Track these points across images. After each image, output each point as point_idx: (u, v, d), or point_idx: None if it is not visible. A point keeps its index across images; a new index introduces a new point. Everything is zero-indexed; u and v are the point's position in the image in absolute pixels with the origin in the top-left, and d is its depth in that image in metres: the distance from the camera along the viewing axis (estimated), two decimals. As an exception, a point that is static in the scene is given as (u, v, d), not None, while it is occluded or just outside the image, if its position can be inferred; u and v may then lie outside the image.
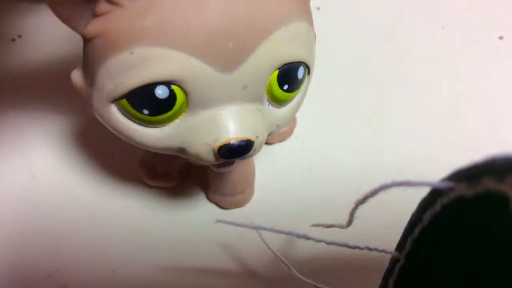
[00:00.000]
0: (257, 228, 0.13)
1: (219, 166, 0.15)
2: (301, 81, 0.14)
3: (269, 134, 0.15)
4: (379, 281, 0.13)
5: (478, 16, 0.27)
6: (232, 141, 0.13)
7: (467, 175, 0.09)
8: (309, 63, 0.14)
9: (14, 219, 0.19)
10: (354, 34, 0.26)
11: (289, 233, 0.13)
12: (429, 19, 0.27)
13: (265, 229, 0.13)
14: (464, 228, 0.10)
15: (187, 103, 0.13)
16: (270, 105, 0.14)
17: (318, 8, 0.26)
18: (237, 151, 0.13)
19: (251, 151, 0.14)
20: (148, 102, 0.13)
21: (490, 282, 0.09)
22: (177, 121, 0.13)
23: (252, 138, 0.13)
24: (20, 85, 0.23)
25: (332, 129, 0.22)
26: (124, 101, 0.13)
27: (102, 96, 0.13)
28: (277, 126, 0.15)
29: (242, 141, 0.13)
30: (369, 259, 0.14)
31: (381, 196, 0.10)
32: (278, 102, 0.14)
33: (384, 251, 0.12)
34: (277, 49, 0.13)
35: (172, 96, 0.12)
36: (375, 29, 0.26)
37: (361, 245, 0.12)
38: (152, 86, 0.12)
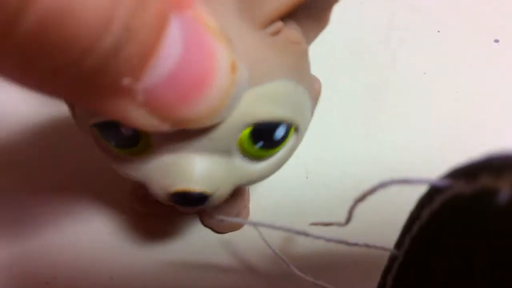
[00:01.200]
0: (256, 224, 0.14)
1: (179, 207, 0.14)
2: (282, 139, 0.13)
3: (242, 185, 0.14)
4: (378, 278, 0.13)
5: (474, 19, 0.27)
6: (188, 191, 0.13)
7: (465, 172, 0.09)
8: (293, 121, 0.13)
9: (12, 227, 0.19)
10: (349, 38, 0.26)
11: (288, 230, 0.13)
12: (424, 23, 0.27)
13: (264, 225, 0.13)
14: (462, 225, 0.10)
15: (151, 144, 0.13)
16: (244, 159, 0.13)
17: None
18: (191, 201, 0.13)
19: (207, 203, 0.13)
20: (114, 136, 0.12)
21: (489, 280, 0.09)
22: (143, 156, 0.13)
23: (209, 191, 0.13)
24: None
25: (328, 133, 0.22)
26: (95, 129, 0.13)
27: (80, 118, 0.13)
28: (249, 180, 0.14)
29: (198, 193, 0.13)
30: (368, 257, 0.14)
31: (379, 194, 0.10)
32: (252, 157, 0.13)
33: (382, 248, 0.12)
34: (249, 107, 0.12)
35: (136, 134, 0.12)
36: (370, 33, 0.26)
37: (360, 243, 0.12)
38: (116, 122, 0.12)
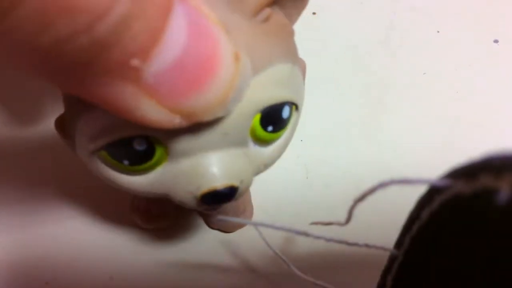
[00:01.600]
0: (256, 224, 0.14)
1: (206, 209, 0.14)
2: (287, 119, 0.14)
3: (259, 172, 0.14)
4: (377, 278, 0.13)
5: (473, 20, 0.27)
6: (215, 189, 0.13)
7: (465, 172, 0.09)
8: (294, 101, 0.13)
9: (12, 227, 0.19)
10: (349, 38, 0.26)
11: (288, 230, 0.13)
12: (424, 23, 0.27)
13: (264, 225, 0.13)
14: (462, 225, 0.10)
15: (167, 152, 0.12)
16: (256, 145, 0.14)
17: (313, 13, 0.26)
18: (221, 198, 0.13)
19: (236, 196, 0.13)
20: (127, 154, 0.12)
21: (489, 280, 0.09)
22: (159, 169, 0.13)
23: (236, 184, 0.13)
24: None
25: (329, 134, 0.22)
26: (104, 153, 0.13)
27: (82, 147, 0.13)
28: (265, 165, 0.14)
29: (226, 188, 0.13)
30: (368, 257, 0.14)
31: (379, 194, 0.10)
32: (264, 142, 0.14)
33: (382, 248, 0.12)
34: (256, 94, 0.12)
35: (150, 147, 0.12)
36: (370, 33, 0.26)
37: (360, 243, 0.12)
38: (128, 139, 0.12)
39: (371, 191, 0.10)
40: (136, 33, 0.09)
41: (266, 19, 0.12)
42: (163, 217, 0.19)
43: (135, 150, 0.12)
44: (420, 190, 0.11)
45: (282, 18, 0.14)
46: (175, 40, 0.09)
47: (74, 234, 0.19)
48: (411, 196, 0.11)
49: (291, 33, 0.14)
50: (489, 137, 0.22)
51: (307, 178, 0.20)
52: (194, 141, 0.12)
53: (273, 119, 0.13)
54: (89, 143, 0.12)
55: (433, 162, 0.21)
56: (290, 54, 0.13)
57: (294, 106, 0.14)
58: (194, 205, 0.13)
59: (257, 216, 0.19)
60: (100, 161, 0.13)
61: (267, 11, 0.12)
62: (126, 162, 0.13)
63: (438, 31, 0.26)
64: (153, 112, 0.10)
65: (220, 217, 0.14)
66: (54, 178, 0.20)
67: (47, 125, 0.21)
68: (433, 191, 0.10)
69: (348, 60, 0.25)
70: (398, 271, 0.12)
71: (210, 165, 0.13)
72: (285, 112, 0.13)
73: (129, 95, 0.10)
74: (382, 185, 0.10)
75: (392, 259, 0.12)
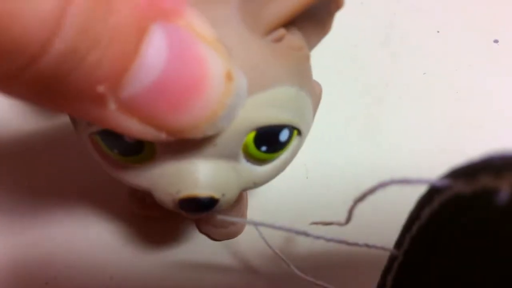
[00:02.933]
0: (256, 224, 0.14)
1: (186, 215, 0.14)
2: (285, 143, 0.13)
3: (246, 189, 0.14)
4: (377, 278, 0.13)
5: (473, 19, 0.27)
6: (195, 196, 0.13)
7: (465, 172, 0.09)
8: (296, 125, 0.13)
9: (11, 226, 0.19)
10: (349, 38, 0.26)
11: (288, 230, 0.13)
12: (424, 23, 0.27)
13: (264, 225, 0.13)
14: (462, 225, 0.10)
15: (155, 150, 0.13)
16: (248, 162, 0.13)
17: (314, 13, 0.26)
18: (198, 207, 0.13)
19: (215, 208, 0.13)
20: (117, 144, 0.12)
21: (489, 280, 0.09)
22: (147, 164, 0.13)
23: (217, 196, 0.13)
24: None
25: (329, 134, 0.22)
26: (98, 138, 0.13)
27: (82, 128, 0.13)
28: (255, 183, 0.14)
29: (205, 197, 0.13)
30: (368, 257, 0.14)
31: (379, 194, 0.10)
32: (256, 161, 0.13)
33: (382, 248, 0.12)
34: (252, 113, 0.12)
35: (139, 142, 0.12)
36: (370, 33, 0.26)
37: (360, 243, 0.12)
38: None
39: (371, 191, 0.10)
40: (95, 61, 0.09)
41: (278, 39, 0.12)
42: (157, 207, 0.19)
43: (125, 142, 0.12)
44: (420, 190, 0.11)
45: (298, 40, 0.13)
46: (152, 63, 0.09)
47: (74, 234, 0.19)
48: (411, 196, 0.11)
49: (305, 57, 0.14)
50: (489, 137, 0.22)
51: (307, 178, 0.21)
52: (183, 146, 0.12)
53: (269, 140, 0.13)
54: (87, 126, 0.13)
55: (433, 162, 0.21)
56: (299, 77, 0.13)
57: (296, 130, 0.14)
58: (172, 207, 0.13)
59: (257, 216, 0.19)
60: (96, 144, 0.13)
61: (281, 31, 0.12)
62: (116, 151, 0.13)
63: (438, 31, 0.26)
64: (137, 128, 0.10)
65: (220, 216, 0.14)
66: (54, 179, 0.20)
67: (47, 125, 0.21)
68: (433, 191, 0.10)
69: (348, 60, 0.25)
70: (398, 271, 0.12)
71: (195, 172, 0.13)
72: (283, 135, 0.13)
73: (107, 115, 0.10)
74: (382, 185, 0.10)
75: (392, 259, 0.12)
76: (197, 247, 0.18)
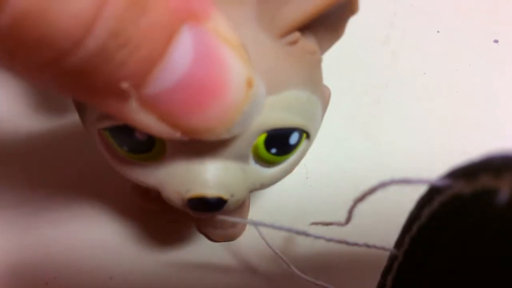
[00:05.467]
0: (256, 224, 0.14)
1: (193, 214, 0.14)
2: (295, 146, 0.13)
3: (253, 190, 0.14)
4: (377, 278, 0.13)
5: (473, 20, 0.27)
6: (203, 196, 0.13)
7: (465, 172, 0.09)
8: (306, 129, 0.13)
9: (11, 226, 0.19)
10: (349, 38, 0.26)
11: (288, 230, 0.13)
12: (424, 23, 0.27)
13: (264, 225, 0.13)
14: (462, 225, 0.10)
15: (166, 149, 0.13)
16: (256, 164, 0.13)
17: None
18: (207, 206, 0.13)
19: (223, 208, 0.13)
20: (128, 141, 0.12)
21: (489, 279, 0.09)
22: (156, 162, 0.13)
23: (225, 196, 0.13)
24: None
25: (329, 134, 0.22)
26: (108, 134, 0.13)
27: (91, 123, 0.13)
28: (262, 185, 0.14)
29: (214, 198, 0.13)
30: (368, 257, 0.14)
31: (379, 194, 0.10)
32: (265, 163, 0.13)
33: (382, 248, 0.12)
34: (263, 115, 0.12)
35: (151, 140, 0.12)
36: (370, 33, 0.26)
37: (360, 243, 0.12)
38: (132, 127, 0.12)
39: (371, 191, 0.10)
40: (123, 60, 0.09)
41: (293, 43, 0.12)
42: (160, 201, 0.19)
43: (136, 139, 0.12)
44: (420, 190, 0.11)
45: (311, 44, 0.13)
46: (177, 64, 0.09)
47: (74, 234, 0.19)
48: (411, 196, 0.11)
49: (317, 61, 0.14)
50: (489, 137, 0.22)
51: (307, 178, 0.21)
52: (193, 146, 0.12)
53: (279, 142, 0.13)
54: (96, 121, 0.12)
55: (433, 162, 0.21)
56: (310, 82, 0.13)
57: (305, 134, 0.14)
58: (180, 206, 0.13)
59: (257, 216, 0.19)
60: (104, 139, 0.13)
61: (296, 35, 0.12)
62: (125, 148, 0.13)
63: (438, 31, 0.26)
64: (154, 125, 0.10)
65: (221, 217, 0.14)
66: (54, 179, 0.20)
67: (47, 125, 0.21)
68: (433, 191, 0.10)
69: (348, 60, 0.25)
70: (398, 271, 0.12)
71: (205, 172, 0.13)
72: (293, 138, 0.13)
73: (127, 109, 0.10)
74: (382, 185, 0.10)
75: (392, 259, 0.12)
76: (197, 247, 0.18)
